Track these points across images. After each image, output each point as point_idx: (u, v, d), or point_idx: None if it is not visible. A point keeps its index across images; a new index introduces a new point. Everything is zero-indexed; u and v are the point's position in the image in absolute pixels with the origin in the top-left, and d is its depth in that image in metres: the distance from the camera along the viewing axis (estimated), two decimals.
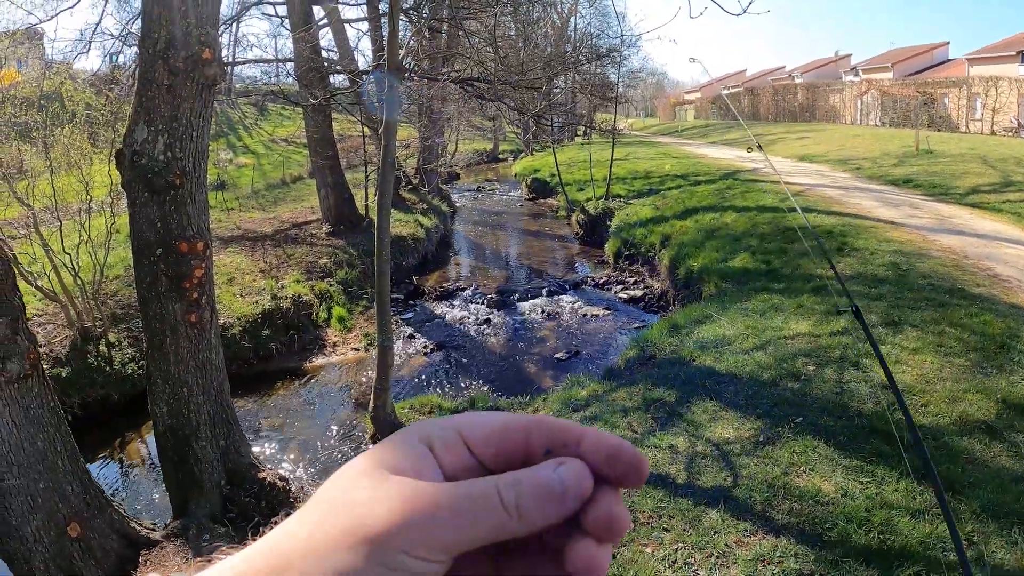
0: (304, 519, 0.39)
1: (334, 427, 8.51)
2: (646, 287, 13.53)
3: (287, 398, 9.51)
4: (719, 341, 7.84)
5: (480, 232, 21.44)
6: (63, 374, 8.47)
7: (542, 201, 25.73)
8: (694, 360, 7.46)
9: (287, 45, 20.57)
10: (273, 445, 8.18)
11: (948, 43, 44.44)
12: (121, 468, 7.99)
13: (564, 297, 13.43)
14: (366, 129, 16.11)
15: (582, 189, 21.74)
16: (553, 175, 24.04)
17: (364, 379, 9.71)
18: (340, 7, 16.10)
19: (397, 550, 0.36)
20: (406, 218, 17.17)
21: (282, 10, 18.37)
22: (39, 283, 8.84)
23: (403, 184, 19.62)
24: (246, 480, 5.91)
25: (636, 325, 11.53)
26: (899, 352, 6.73)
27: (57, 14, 14.23)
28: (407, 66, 11.33)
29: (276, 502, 5.93)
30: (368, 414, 7.67)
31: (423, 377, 9.89)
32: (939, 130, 30.37)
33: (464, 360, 10.44)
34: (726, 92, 59.48)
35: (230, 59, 18.02)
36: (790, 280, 9.73)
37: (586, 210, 19.17)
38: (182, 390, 5.54)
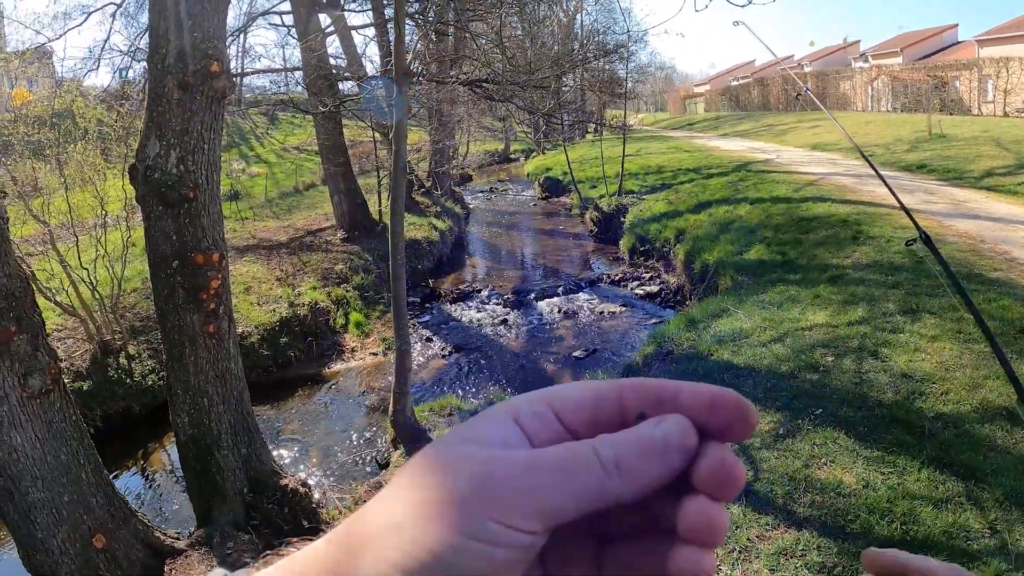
0: (383, 496, 0.37)
1: (354, 432, 8.56)
2: (662, 282, 13.49)
3: (307, 404, 9.57)
4: (736, 334, 7.81)
5: (494, 233, 21.46)
6: (84, 387, 8.57)
7: (555, 200, 25.71)
8: (712, 354, 7.44)
9: (295, 54, 20.68)
10: (294, 452, 8.24)
11: (957, 25, 43.95)
12: (144, 478, 8.07)
13: (580, 295, 13.42)
14: (377, 134, 16.15)
15: (595, 186, 21.71)
16: (565, 173, 24.02)
17: (383, 383, 9.75)
18: (346, 14, 16.17)
19: (485, 519, 0.33)
20: (420, 221, 17.21)
21: (288, 19, 18.46)
22: (58, 299, 8.94)
23: (416, 188, 19.66)
24: (268, 487, 5.95)
25: (653, 321, 11.50)
26: (918, 340, 6.68)
27: (65, 32, 14.37)
28: (415, 70, 11.37)
29: (299, 508, 5.97)
30: (388, 418, 7.70)
31: (442, 380, 9.91)
32: (951, 114, 30.04)
33: (482, 361, 10.46)
34: (735, 83, 59.21)
35: (239, 70, 18.15)
36: (806, 271, 9.68)
37: (599, 207, 19.14)
38: (202, 400, 5.59)
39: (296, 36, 16.54)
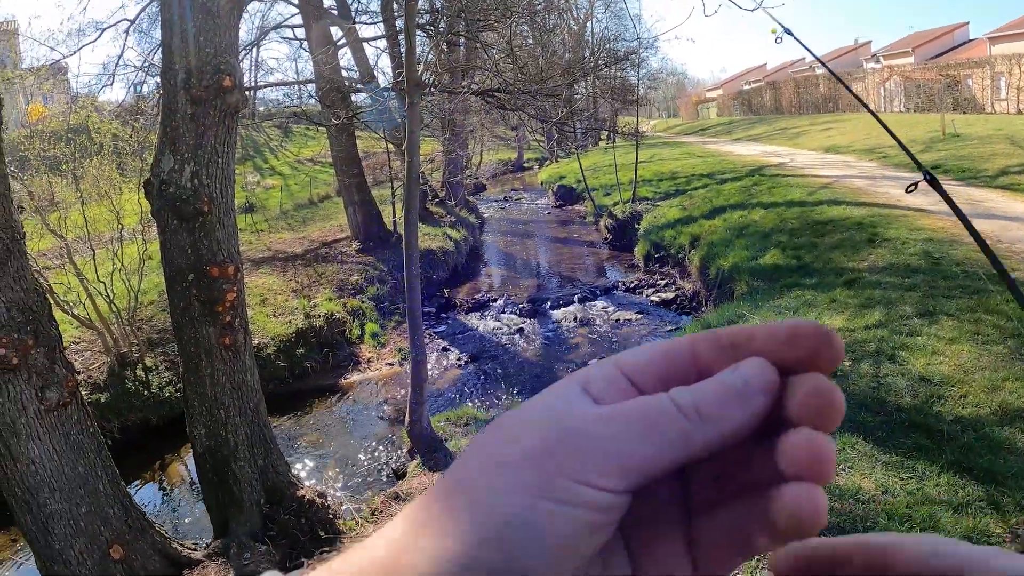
0: (451, 469, 0.34)
1: (371, 443, 8.57)
2: (677, 289, 13.44)
3: (323, 415, 9.60)
4: None
5: (509, 242, 21.49)
6: (102, 399, 8.64)
7: (569, 207, 25.70)
8: None
9: (307, 67, 20.84)
10: (311, 462, 8.26)
11: (968, 23, 43.69)
12: (161, 490, 8.11)
13: (596, 303, 13.39)
14: (390, 146, 16.23)
15: (608, 193, 21.68)
16: (579, 181, 24.01)
17: (399, 394, 9.76)
18: (357, 26, 16.26)
19: (561, 476, 0.31)
20: (434, 232, 17.25)
21: (300, 33, 18.62)
22: (75, 311, 9.03)
23: (429, 198, 19.73)
24: (285, 498, 5.97)
25: (669, 328, 11.46)
26: (935, 343, 6.61)
27: (80, 49, 14.53)
28: (427, 81, 11.42)
29: (316, 519, 5.98)
30: (404, 428, 7.70)
31: (458, 389, 9.91)
32: (964, 112, 29.79)
33: (499, 371, 10.45)
34: (747, 87, 59.08)
35: (252, 84, 18.30)
36: (822, 275, 9.62)
37: (613, 214, 19.12)
38: (219, 412, 5.62)
39: (308, 49, 16.68)
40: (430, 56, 14.64)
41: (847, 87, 2.37)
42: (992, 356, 6.22)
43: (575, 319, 12.47)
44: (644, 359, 0.37)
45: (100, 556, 4.56)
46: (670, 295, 13.12)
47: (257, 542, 5.55)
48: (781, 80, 52.15)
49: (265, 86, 19.85)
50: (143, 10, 14.93)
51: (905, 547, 0.32)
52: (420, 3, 11.39)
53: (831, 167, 19.37)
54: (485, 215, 25.25)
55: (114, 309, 9.30)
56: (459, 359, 10.92)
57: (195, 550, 5.45)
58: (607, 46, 27.40)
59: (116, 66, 14.65)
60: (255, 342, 8.40)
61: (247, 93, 7.94)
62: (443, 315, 13.45)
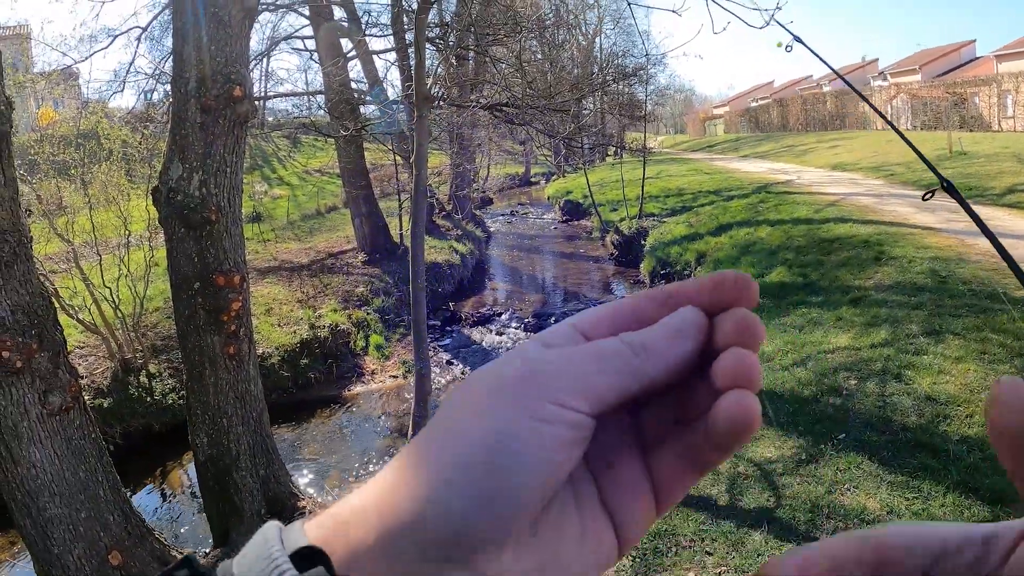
0: (435, 415, 0.39)
1: (373, 454, 8.55)
2: None
3: (326, 426, 9.58)
4: (758, 358, 7.72)
5: (515, 256, 21.50)
6: (105, 405, 8.64)
7: (576, 223, 25.72)
8: None
9: (317, 78, 20.94)
10: (313, 473, 8.24)
11: (975, 41, 43.76)
12: (162, 497, 8.10)
13: None
14: (398, 158, 16.28)
15: (615, 209, 21.67)
16: (586, 196, 24.02)
17: (402, 406, 9.74)
18: (367, 39, 16.36)
19: (542, 400, 0.36)
20: (441, 245, 17.27)
21: (311, 44, 18.73)
22: (80, 316, 9.06)
23: (436, 211, 19.77)
24: (286, 508, 5.95)
25: None
26: (942, 362, 6.57)
27: (91, 55, 14.65)
28: (435, 94, 11.46)
29: None
30: (407, 441, 7.67)
31: None
32: (971, 130, 29.75)
33: None
34: (754, 104, 59.16)
35: (262, 93, 18.40)
36: (828, 293, 9.58)
37: (620, 230, 19.11)
38: (222, 421, 5.62)
39: (318, 60, 16.77)
40: (439, 69, 14.71)
41: (859, 94, 2.36)
42: (999, 375, 6.16)
43: None
44: (594, 316, 0.42)
45: (99, 562, 4.55)
46: None
47: None
48: (788, 97, 52.22)
49: (275, 96, 19.98)
50: (155, 18, 15.08)
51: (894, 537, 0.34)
52: (430, 17, 11.44)
53: (838, 185, 19.35)
54: (491, 229, 25.29)
55: (119, 315, 9.32)
56: (463, 372, 10.89)
57: None
58: (616, 62, 27.48)
59: (127, 73, 14.77)
60: (259, 351, 8.41)
61: (257, 103, 8.00)
62: (448, 328, 13.44)
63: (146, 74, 15.15)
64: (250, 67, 6.28)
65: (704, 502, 5.01)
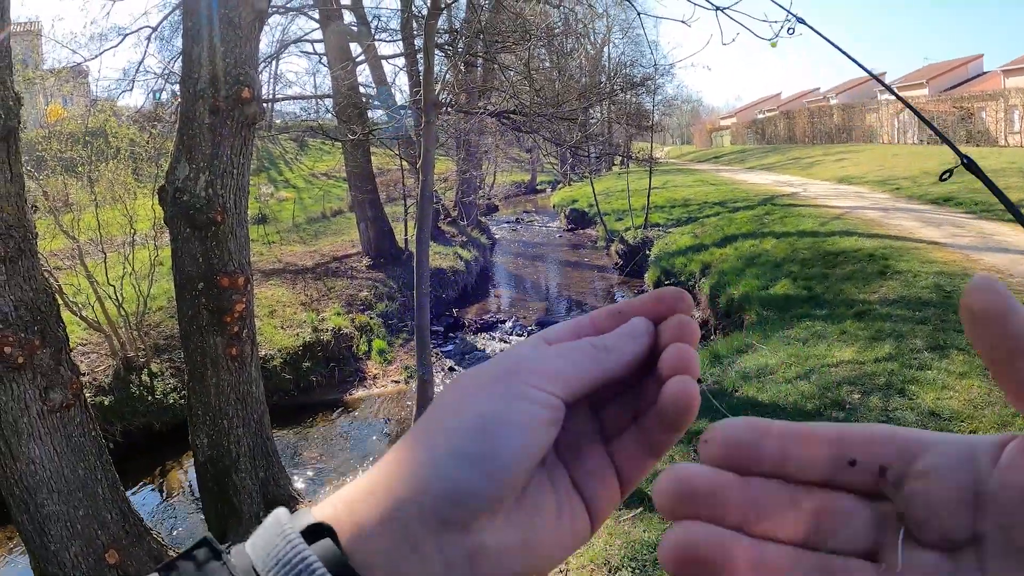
0: (429, 408, 0.47)
1: (373, 459, 8.51)
2: None
3: (327, 430, 9.56)
4: (761, 371, 7.70)
5: (519, 264, 21.49)
6: (106, 402, 8.63)
7: (581, 231, 25.70)
8: (736, 391, 7.33)
9: (325, 82, 21.02)
10: (313, 477, 8.22)
11: (982, 55, 43.78)
12: (161, 496, 8.08)
13: None
14: (405, 163, 16.31)
15: (620, 218, 21.65)
16: (591, 205, 24.00)
17: (404, 412, 9.72)
18: (377, 44, 16.41)
19: (526, 385, 0.44)
20: (445, 251, 17.26)
21: (320, 47, 18.80)
22: (84, 313, 9.06)
23: (442, 217, 19.78)
24: None
25: None
26: (946, 377, 6.53)
27: (101, 53, 14.74)
28: (443, 100, 11.48)
29: None
30: None
31: None
32: (978, 145, 29.72)
33: None
34: (761, 116, 59.16)
35: (270, 96, 18.46)
36: (832, 306, 9.55)
37: (625, 240, 19.08)
38: (222, 422, 5.61)
39: (327, 64, 16.82)
40: (448, 76, 14.75)
41: (868, 72, 2.33)
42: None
43: None
44: (560, 330, 0.51)
45: (95, 560, 4.54)
46: None
47: None
48: (795, 110, 52.22)
49: (283, 99, 20.06)
50: (165, 18, 15.16)
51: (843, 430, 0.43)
52: (439, 23, 11.48)
53: (844, 198, 19.33)
54: (497, 236, 25.27)
55: (122, 313, 9.32)
56: None
57: None
58: (623, 71, 27.55)
59: (136, 72, 14.85)
60: (262, 353, 8.41)
61: (265, 105, 8.01)
62: (451, 334, 13.41)
63: (155, 74, 15.25)
64: (259, 69, 6.29)
65: None
